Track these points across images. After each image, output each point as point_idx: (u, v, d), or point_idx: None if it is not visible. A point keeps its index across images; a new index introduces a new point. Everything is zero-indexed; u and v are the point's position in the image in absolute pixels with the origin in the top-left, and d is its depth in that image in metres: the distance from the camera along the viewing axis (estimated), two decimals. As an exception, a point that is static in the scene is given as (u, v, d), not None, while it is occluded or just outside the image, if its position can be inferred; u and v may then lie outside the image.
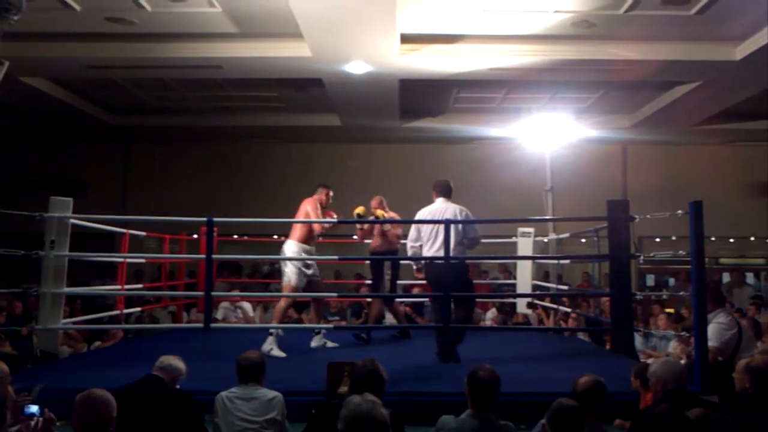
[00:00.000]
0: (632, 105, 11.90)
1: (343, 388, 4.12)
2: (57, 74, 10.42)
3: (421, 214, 6.62)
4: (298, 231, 6.99)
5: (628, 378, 4.80)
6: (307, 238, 6.99)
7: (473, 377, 3.58)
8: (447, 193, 6.67)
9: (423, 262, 6.62)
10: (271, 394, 3.95)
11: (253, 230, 11.34)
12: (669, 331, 7.77)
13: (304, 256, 6.91)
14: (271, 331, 6.72)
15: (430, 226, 6.46)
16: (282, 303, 6.99)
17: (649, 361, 5.26)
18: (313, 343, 7.17)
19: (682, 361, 6.71)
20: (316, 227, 6.98)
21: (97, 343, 8.48)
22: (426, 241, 6.48)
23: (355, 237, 8.14)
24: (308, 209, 6.96)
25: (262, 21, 8.12)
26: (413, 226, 6.66)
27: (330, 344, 7.17)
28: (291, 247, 6.96)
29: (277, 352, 6.51)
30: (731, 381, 4.57)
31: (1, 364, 4.03)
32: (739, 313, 7.95)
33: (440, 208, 6.54)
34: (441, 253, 6.22)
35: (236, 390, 3.94)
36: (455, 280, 6.23)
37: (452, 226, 6.20)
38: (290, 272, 6.88)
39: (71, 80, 10.85)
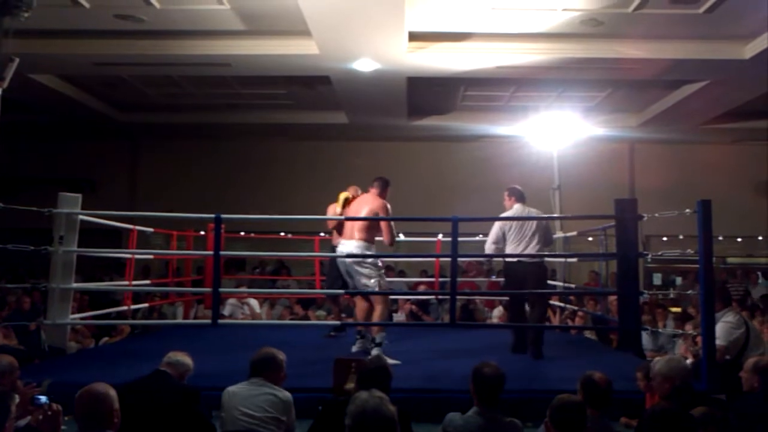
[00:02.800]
0: (640, 103, 11.87)
1: (350, 385, 4.13)
2: (66, 71, 10.46)
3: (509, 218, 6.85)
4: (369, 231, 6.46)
5: (634, 377, 4.80)
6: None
7: (478, 374, 3.59)
8: (523, 198, 6.99)
9: (504, 262, 6.98)
10: (280, 393, 3.88)
11: (261, 227, 11.37)
12: (676, 329, 7.75)
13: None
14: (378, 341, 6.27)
15: (518, 228, 6.73)
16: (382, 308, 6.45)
17: (656, 359, 5.25)
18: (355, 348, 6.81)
19: (689, 360, 6.73)
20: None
21: (105, 339, 8.52)
22: (512, 241, 6.72)
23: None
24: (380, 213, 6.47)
25: (270, 18, 8.13)
26: (497, 229, 6.80)
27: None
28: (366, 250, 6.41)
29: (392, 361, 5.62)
30: (739, 380, 4.56)
31: (9, 358, 4.07)
32: (748, 313, 7.92)
33: (524, 212, 6.87)
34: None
35: (243, 384, 3.92)
36: (539, 280, 6.72)
37: (540, 229, 6.71)
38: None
39: (80, 77, 10.88)
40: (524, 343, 6.67)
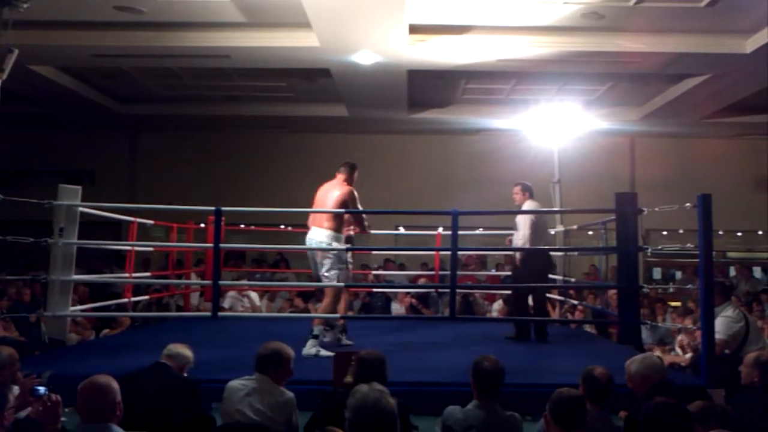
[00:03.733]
0: (641, 97, 11.85)
1: (350, 378, 4.13)
2: (65, 62, 10.43)
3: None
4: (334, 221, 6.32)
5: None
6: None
7: (478, 368, 3.60)
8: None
9: (538, 251, 7.21)
10: (281, 395, 3.80)
11: (260, 219, 11.37)
12: (676, 323, 7.76)
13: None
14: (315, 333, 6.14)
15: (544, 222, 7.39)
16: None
17: (656, 353, 5.27)
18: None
19: (688, 355, 6.75)
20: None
21: (106, 331, 8.53)
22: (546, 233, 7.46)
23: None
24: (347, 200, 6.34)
25: (270, 10, 8.11)
26: (533, 222, 7.10)
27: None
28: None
29: (325, 353, 5.85)
30: (738, 374, 4.57)
31: (10, 350, 4.08)
32: (746, 308, 7.94)
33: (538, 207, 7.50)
34: None
35: (245, 380, 3.84)
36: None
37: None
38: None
39: (79, 68, 10.85)
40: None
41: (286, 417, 3.78)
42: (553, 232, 8.92)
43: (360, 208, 6.48)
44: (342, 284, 6.32)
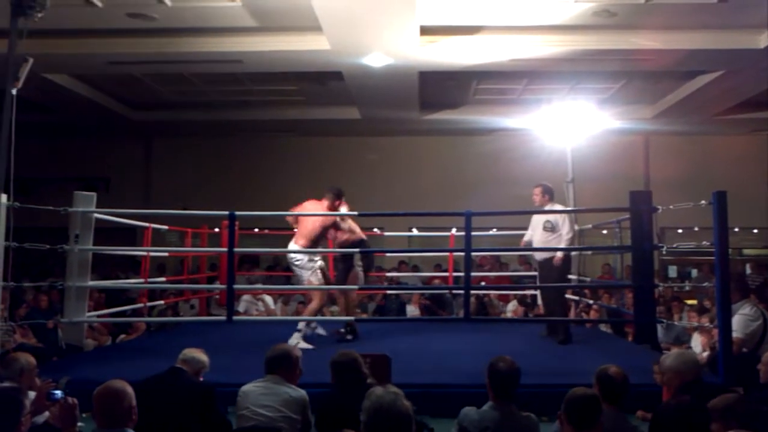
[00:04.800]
0: (654, 95, 11.78)
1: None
2: (79, 70, 10.52)
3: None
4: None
5: (650, 369, 4.77)
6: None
7: (494, 369, 3.58)
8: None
9: (567, 252, 7.24)
10: (294, 390, 3.86)
11: (273, 223, 11.40)
12: (692, 322, 7.71)
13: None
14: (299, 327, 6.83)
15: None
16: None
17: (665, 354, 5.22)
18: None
19: (705, 353, 6.69)
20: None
21: (122, 336, 8.59)
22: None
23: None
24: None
25: (281, 15, 8.13)
26: (572, 222, 7.28)
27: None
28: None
29: (304, 345, 6.45)
30: (756, 373, 4.53)
31: (28, 356, 4.11)
32: (765, 305, 7.86)
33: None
34: None
35: (258, 382, 3.91)
36: None
37: None
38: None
39: (93, 76, 10.94)
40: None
41: (300, 412, 3.83)
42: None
43: (348, 222, 7.25)
44: (355, 286, 6.46)
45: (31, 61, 5.11)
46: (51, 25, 7.39)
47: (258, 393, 3.83)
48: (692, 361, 4.03)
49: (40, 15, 4.99)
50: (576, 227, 9.24)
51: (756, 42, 8.56)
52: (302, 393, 3.88)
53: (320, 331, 7.53)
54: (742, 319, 5.73)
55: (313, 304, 7.09)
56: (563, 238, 7.10)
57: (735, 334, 5.41)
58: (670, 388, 3.99)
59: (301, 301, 10.41)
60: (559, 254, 7.11)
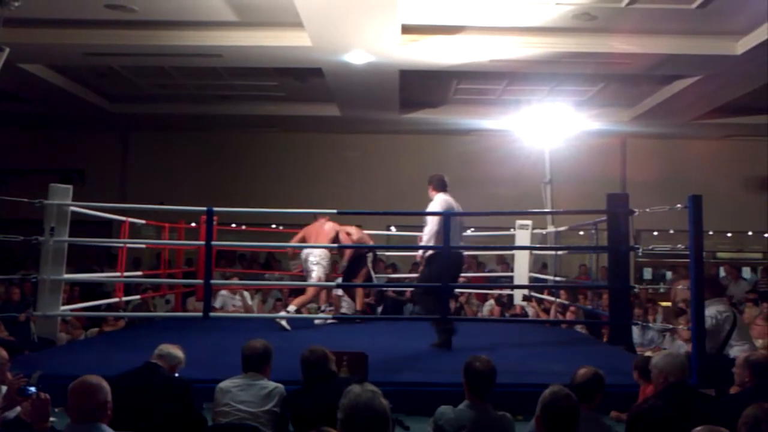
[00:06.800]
0: (632, 98, 11.89)
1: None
2: (56, 61, 10.37)
3: (449, 208, 6.63)
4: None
5: (624, 370, 4.82)
6: None
7: (470, 368, 3.59)
8: (444, 186, 6.82)
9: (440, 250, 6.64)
10: (272, 385, 3.90)
11: (252, 219, 11.35)
12: (666, 324, 7.79)
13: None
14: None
15: (459, 217, 6.78)
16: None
17: (648, 354, 5.27)
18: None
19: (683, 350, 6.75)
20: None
21: (93, 330, 8.49)
22: (454, 234, 6.53)
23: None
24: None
25: (262, 9, 8.09)
26: (439, 219, 6.55)
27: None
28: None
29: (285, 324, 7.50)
30: (725, 374, 4.59)
31: (0, 349, 4.05)
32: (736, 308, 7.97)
33: (451, 201, 6.74)
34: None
35: (236, 379, 3.92)
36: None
37: (461, 220, 6.81)
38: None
39: (70, 67, 10.80)
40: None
41: (280, 405, 3.86)
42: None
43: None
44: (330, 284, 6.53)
45: (7, 50, 5.05)
46: (27, 15, 7.28)
47: (237, 389, 3.85)
48: (679, 363, 4.07)
49: (17, 4, 4.92)
50: (552, 228, 9.31)
51: (733, 48, 8.67)
52: (280, 387, 3.92)
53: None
54: (712, 311, 5.78)
55: (308, 296, 8.09)
56: (424, 231, 6.75)
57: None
58: (654, 386, 4.04)
59: (279, 298, 10.39)
60: (420, 253, 6.91)
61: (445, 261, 6.48)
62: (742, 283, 12.08)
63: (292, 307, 7.92)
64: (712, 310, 5.81)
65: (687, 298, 7.51)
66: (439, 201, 6.73)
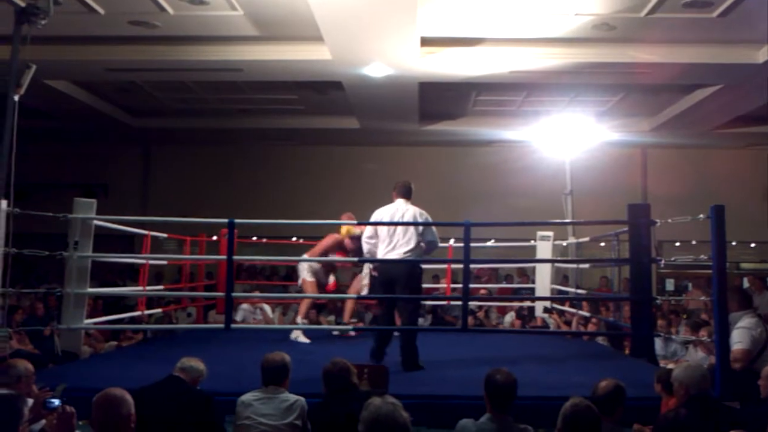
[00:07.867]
0: (653, 108, 11.83)
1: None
2: (80, 77, 10.55)
3: (380, 213, 6.25)
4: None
5: (647, 383, 4.77)
6: None
7: (491, 381, 3.58)
8: (407, 194, 6.36)
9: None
10: (293, 398, 3.92)
11: (273, 232, 11.40)
12: (690, 336, 7.70)
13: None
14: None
15: (387, 226, 6.18)
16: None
17: (670, 366, 5.20)
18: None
19: (706, 364, 6.65)
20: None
21: (113, 343, 8.56)
22: (382, 240, 6.18)
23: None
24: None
25: (282, 24, 8.17)
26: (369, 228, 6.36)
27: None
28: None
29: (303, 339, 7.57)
30: (752, 387, 4.52)
31: (25, 363, 4.10)
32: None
33: (400, 208, 6.20)
34: (395, 255, 6.03)
35: (257, 392, 3.94)
36: (407, 285, 6.02)
37: (412, 229, 6.08)
38: None
39: (94, 83, 10.97)
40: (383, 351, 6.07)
41: (301, 418, 3.87)
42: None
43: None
44: (356, 295, 6.47)
45: (34, 68, 5.12)
46: (53, 32, 7.39)
47: (259, 403, 3.87)
48: (699, 375, 4.03)
49: (44, 22, 5.00)
50: (573, 239, 9.25)
51: (754, 57, 8.61)
52: (301, 399, 3.93)
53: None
54: (745, 331, 5.66)
55: (304, 303, 8.25)
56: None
57: (740, 346, 5.34)
58: (676, 399, 4.00)
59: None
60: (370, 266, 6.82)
61: (378, 274, 6.45)
62: (766, 294, 11.90)
63: (299, 318, 8.10)
64: (746, 324, 5.67)
65: (699, 308, 7.39)
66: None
